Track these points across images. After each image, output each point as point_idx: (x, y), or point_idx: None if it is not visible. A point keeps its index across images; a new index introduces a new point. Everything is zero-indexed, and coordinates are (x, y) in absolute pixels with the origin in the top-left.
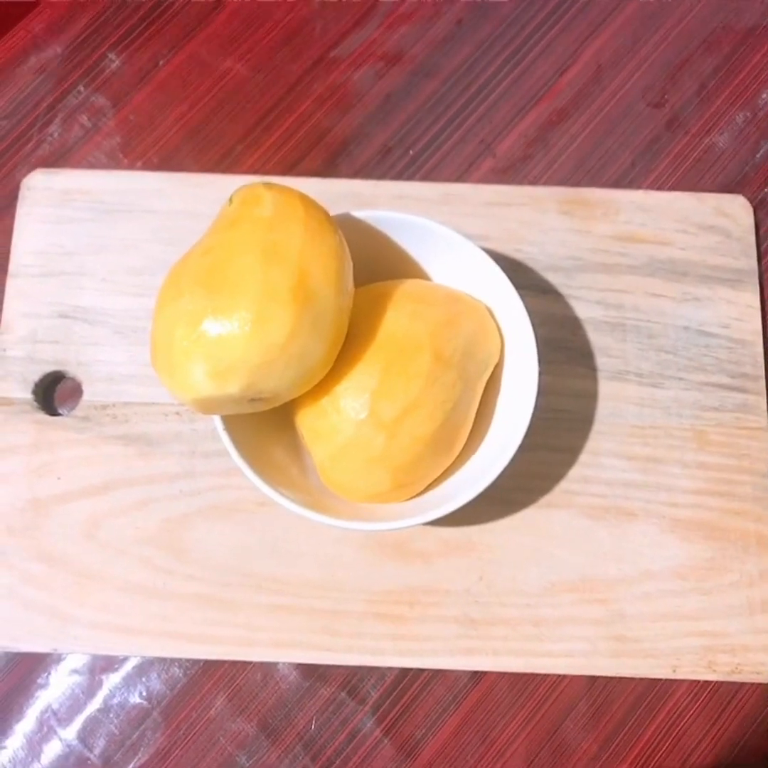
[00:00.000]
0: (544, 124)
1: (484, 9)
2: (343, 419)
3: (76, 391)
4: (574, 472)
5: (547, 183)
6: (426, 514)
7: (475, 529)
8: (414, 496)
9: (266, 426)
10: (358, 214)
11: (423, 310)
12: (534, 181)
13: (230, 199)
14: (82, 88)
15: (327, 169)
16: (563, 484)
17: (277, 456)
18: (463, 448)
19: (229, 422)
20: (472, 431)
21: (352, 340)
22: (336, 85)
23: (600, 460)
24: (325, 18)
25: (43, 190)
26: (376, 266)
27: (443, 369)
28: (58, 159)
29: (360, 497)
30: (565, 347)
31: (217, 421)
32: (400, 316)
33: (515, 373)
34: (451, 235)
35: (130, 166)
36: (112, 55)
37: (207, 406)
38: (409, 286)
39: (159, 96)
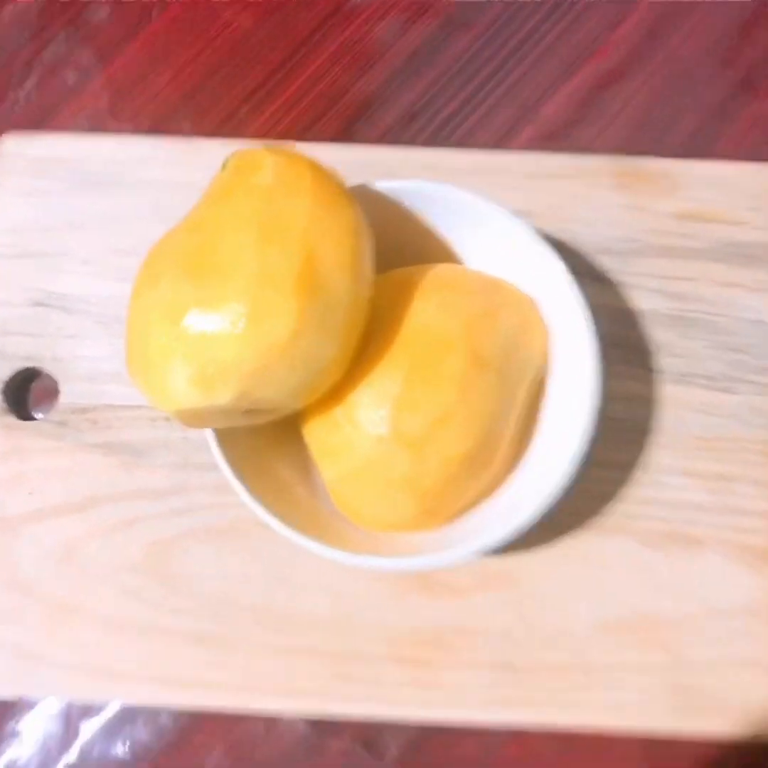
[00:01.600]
0: (594, 84)
1: None
2: (360, 434)
3: (52, 391)
4: (630, 491)
5: (598, 152)
6: (460, 549)
7: (514, 559)
8: (444, 524)
9: (269, 435)
10: (379, 185)
11: (456, 301)
12: (583, 150)
13: (224, 165)
14: (63, 42)
15: (343, 136)
16: (617, 506)
17: (281, 472)
18: (503, 466)
19: (223, 432)
20: (513, 445)
21: (370, 338)
22: (354, 40)
23: (660, 477)
24: None
25: (17, 158)
26: (399, 249)
27: (481, 372)
28: (35, 123)
29: (379, 526)
30: (619, 345)
31: (208, 433)
32: (428, 307)
33: (565, 376)
34: (492, 209)
35: (118, 131)
36: (98, 5)
37: (192, 418)
38: (439, 271)
39: (151, 51)
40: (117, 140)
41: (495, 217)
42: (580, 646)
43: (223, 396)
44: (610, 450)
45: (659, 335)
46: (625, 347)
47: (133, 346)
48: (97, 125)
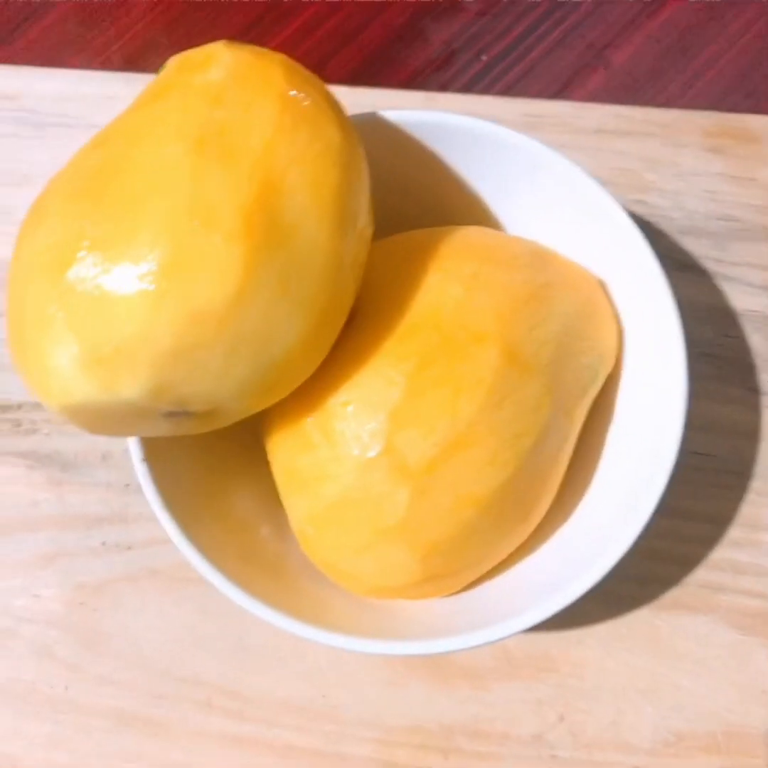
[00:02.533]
0: (683, 25)
1: None
2: (340, 456)
3: None
4: (719, 554)
5: (687, 107)
6: (479, 631)
7: (555, 638)
8: (457, 592)
9: (223, 450)
10: (390, 114)
11: (490, 275)
12: (667, 104)
13: (163, 67)
14: None
15: (360, 78)
16: (700, 574)
17: (238, 504)
18: (548, 512)
19: (154, 444)
20: (562, 484)
21: (361, 321)
22: None
23: (760, 536)
24: None
25: None
26: (412, 205)
27: (520, 377)
28: None
29: (366, 589)
30: (711, 355)
31: (131, 442)
32: (449, 282)
33: (638, 391)
34: (549, 154)
35: (82, 68)
36: None
37: (90, 419)
38: (466, 235)
39: None
40: (75, 74)
41: (552, 166)
42: (642, 763)
43: (129, 387)
44: (691, 497)
45: (762, 345)
46: (719, 359)
47: (11, 312)
48: (56, 61)
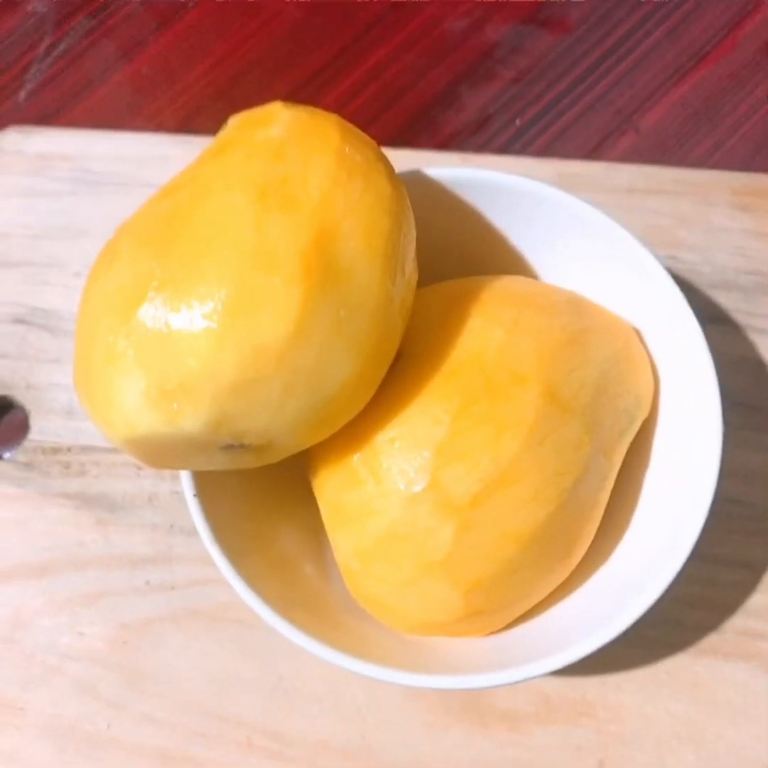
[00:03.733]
0: (710, 91)
1: None
2: (386, 492)
3: (23, 426)
4: (756, 601)
5: (714, 167)
6: (520, 668)
7: (594, 682)
8: (499, 630)
9: (269, 489)
10: (433, 172)
11: (530, 320)
12: (695, 165)
13: (225, 126)
14: (84, 33)
15: (401, 140)
16: (738, 621)
17: (284, 543)
18: (588, 552)
19: (205, 480)
20: (600, 525)
21: (407, 363)
22: (419, 33)
23: None
24: None
25: (14, 154)
26: (454, 256)
27: (561, 417)
28: (46, 118)
29: (408, 626)
30: (744, 404)
31: (184, 476)
32: (491, 325)
33: (675, 437)
34: (585, 210)
35: (137, 130)
36: None
37: (152, 451)
38: (508, 283)
39: (183, 44)
40: (129, 137)
41: (591, 221)
42: None
43: (191, 420)
44: (726, 543)
45: None
46: (753, 409)
47: (79, 349)
48: (114, 124)
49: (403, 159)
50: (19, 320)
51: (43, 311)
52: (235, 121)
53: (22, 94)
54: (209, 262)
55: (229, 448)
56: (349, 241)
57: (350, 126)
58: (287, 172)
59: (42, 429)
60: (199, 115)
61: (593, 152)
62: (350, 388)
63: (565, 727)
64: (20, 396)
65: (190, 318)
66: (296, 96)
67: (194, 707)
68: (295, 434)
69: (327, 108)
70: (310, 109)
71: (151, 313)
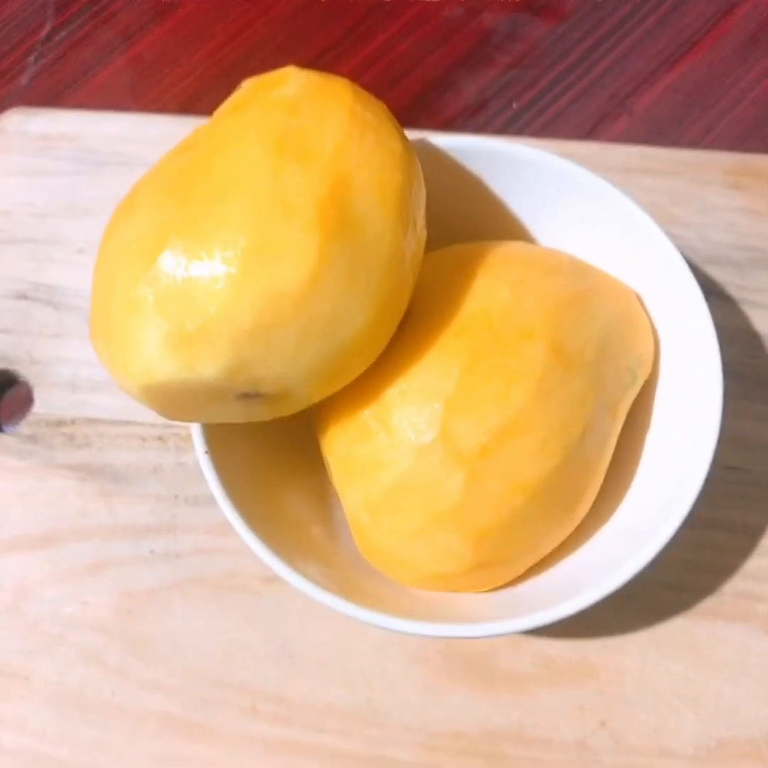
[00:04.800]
0: (702, 75)
1: None
2: (396, 443)
3: (26, 400)
4: (754, 564)
5: (708, 147)
6: (527, 616)
7: (595, 645)
8: (505, 585)
9: (277, 450)
10: (438, 140)
11: (535, 280)
12: (689, 146)
13: (238, 87)
14: (86, 18)
15: (401, 123)
16: (736, 583)
17: (292, 505)
18: (590, 510)
19: (217, 440)
20: (604, 483)
21: (419, 317)
22: (417, 20)
23: None
24: None
25: (17, 135)
26: (461, 224)
27: (566, 372)
28: (48, 101)
29: (417, 578)
30: (738, 374)
31: (195, 436)
32: (498, 284)
33: (676, 400)
34: (588, 177)
35: (140, 111)
36: None
37: (168, 399)
38: (512, 248)
39: (185, 29)
40: (131, 117)
41: (593, 188)
42: None
43: (209, 365)
44: (726, 508)
45: None
46: (745, 378)
47: (97, 300)
48: (115, 107)
49: None
50: (22, 296)
51: (46, 287)
52: (248, 84)
53: (25, 78)
54: (228, 210)
55: (244, 397)
56: (362, 193)
57: (361, 89)
58: (302, 126)
59: (45, 402)
60: (200, 98)
61: (589, 135)
62: (363, 338)
63: (568, 688)
64: (24, 370)
65: (210, 264)
66: None
67: (199, 674)
68: (309, 383)
69: None
70: (322, 73)
71: (172, 261)
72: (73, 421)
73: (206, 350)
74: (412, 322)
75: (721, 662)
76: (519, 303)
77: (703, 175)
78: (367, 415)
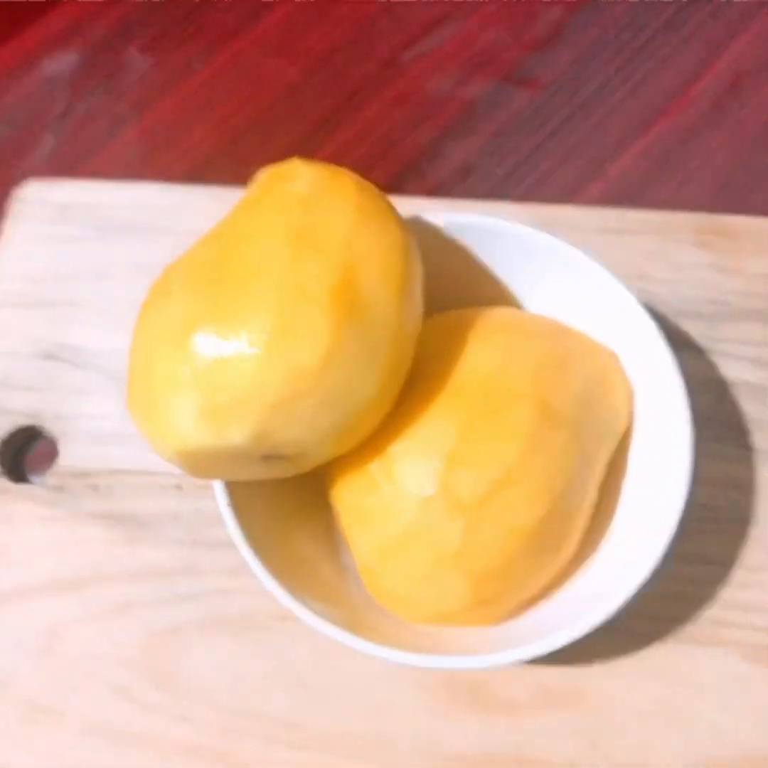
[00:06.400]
0: (670, 142)
1: (590, 11)
2: (401, 495)
3: (51, 452)
4: (727, 594)
5: (678, 208)
6: (521, 648)
7: (584, 672)
8: (502, 620)
9: (289, 501)
10: (432, 218)
11: (522, 344)
12: (660, 207)
13: (253, 180)
14: (100, 93)
15: (392, 190)
16: (711, 612)
17: (304, 547)
18: (578, 550)
19: (237, 493)
20: (590, 524)
21: (418, 380)
22: (407, 93)
23: (762, 577)
24: (396, 16)
25: (38, 204)
26: (452, 292)
27: (552, 427)
28: (62, 173)
29: (422, 616)
30: (709, 418)
31: (218, 490)
32: (489, 349)
33: (649, 448)
34: (566, 250)
35: (151, 180)
36: (138, 57)
37: (199, 463)
38: (500, 313)
39: (192, 103)
40: (146, 186)
41: (571, 260)
42: None
43: (239, 433)
44: (698, 542)
45: (754, 410)
46: (716, 422)
47: (135, 375)
48: (127, 176)
49: (395, 205)
50: (46, 356)
51: (70, 347)
52: (263, 175)
53: (42, 151)
54: (253, 297)
55: (267, 458)
56: (369, 279)
57: (363, 180)
58: (315, 221)
59: (70, 455)
60: (206, 168)
61: (569, 198)
62: (371, 405)
63: (560, 714)
64: (49, 425)
65: (239, 345)
66: (299, 149)
67: (222, 706)
68: (325, 445)
69: (326, 160)
70: (327, 165)
71: (204, 341)
72: (96, 473)
73: (235, 421)
74: (413, 385)
75: (699, 685)
76: (508, 366)
77: (674, 234)
78: (374, 469)
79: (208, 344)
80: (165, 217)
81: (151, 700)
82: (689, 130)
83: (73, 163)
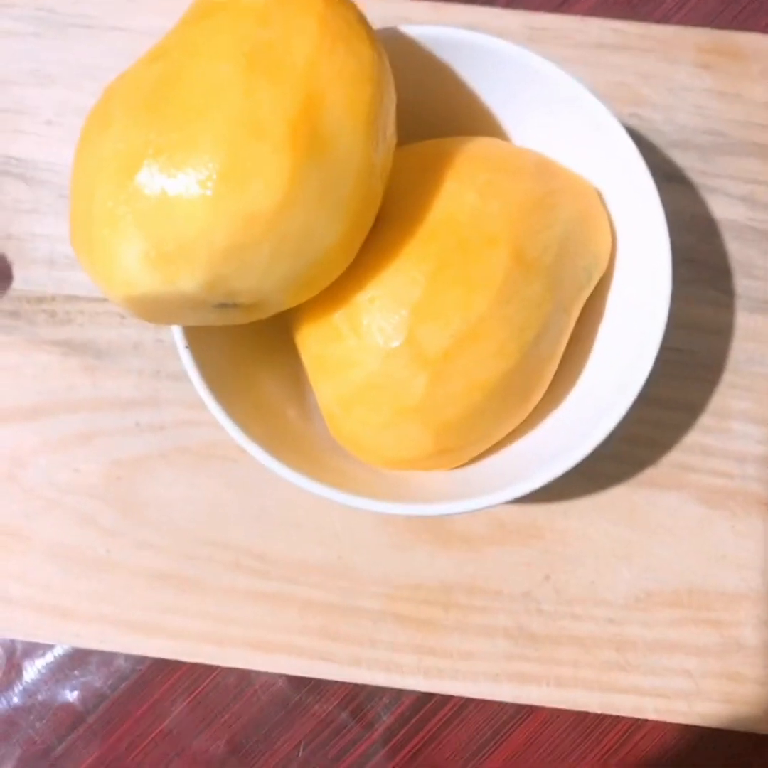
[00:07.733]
0: None
1: None
2: (366, 346)
3: (5, 276)
4: (691, 438)
5: (681, 23)
6: (482, 497)
7: (543, 509)
8: (463, 465)
9: (254, 341)
10: (410, 30)
11: (501, 183)
12: (662, 20)
13: None
14: None
15: None
16: (673, 456)
17: (268, 388)
18: (543, 397)
19: (196, 333)
20: (557, 372)
21: (385, 226)
22: None
23: (728, 424)
24: None
25: None
26: (429, 116)
27: (526, 277)
28: None
29: (383, 461)
30: (691, 260)
31: (176, 333)
32: (465, 189)
33: (628, 291)
34: (549, 69)
35: None
36: None
37: (148, 309)
38: (479, 146)
39: None
40: None
41: (555, 80)
42: (616, 617)
43: (188, 281)
44: (668, 387)
45: (740, 252)
46: (698, 264)
47: (77, 212)
48: None
49: (369, 7)
50: None
51: (17, 160)
52: None
53: None
54: (202, 131)
55: (221, 306)
56: (333, 109)
57: None
58: (272, 38)
59: (25, 279)
60: None
61: (561, 6)
62: (334, 252)
63: (516, 547)
64: (1, 246)
65: (186, 185)
66: None
67: (186, 533)
68: (282, 294)
69: None
70: None
71: (148, 180)
72: (53, 298)
73: (184, 268)
74: (382, 227)
75: (654, 526)
76: (485, 208)
77: (674, 53)
78: (339, 318)
79: (151, 184)
80: (114, 12)
81: (114, 526)
82: None
83: None
